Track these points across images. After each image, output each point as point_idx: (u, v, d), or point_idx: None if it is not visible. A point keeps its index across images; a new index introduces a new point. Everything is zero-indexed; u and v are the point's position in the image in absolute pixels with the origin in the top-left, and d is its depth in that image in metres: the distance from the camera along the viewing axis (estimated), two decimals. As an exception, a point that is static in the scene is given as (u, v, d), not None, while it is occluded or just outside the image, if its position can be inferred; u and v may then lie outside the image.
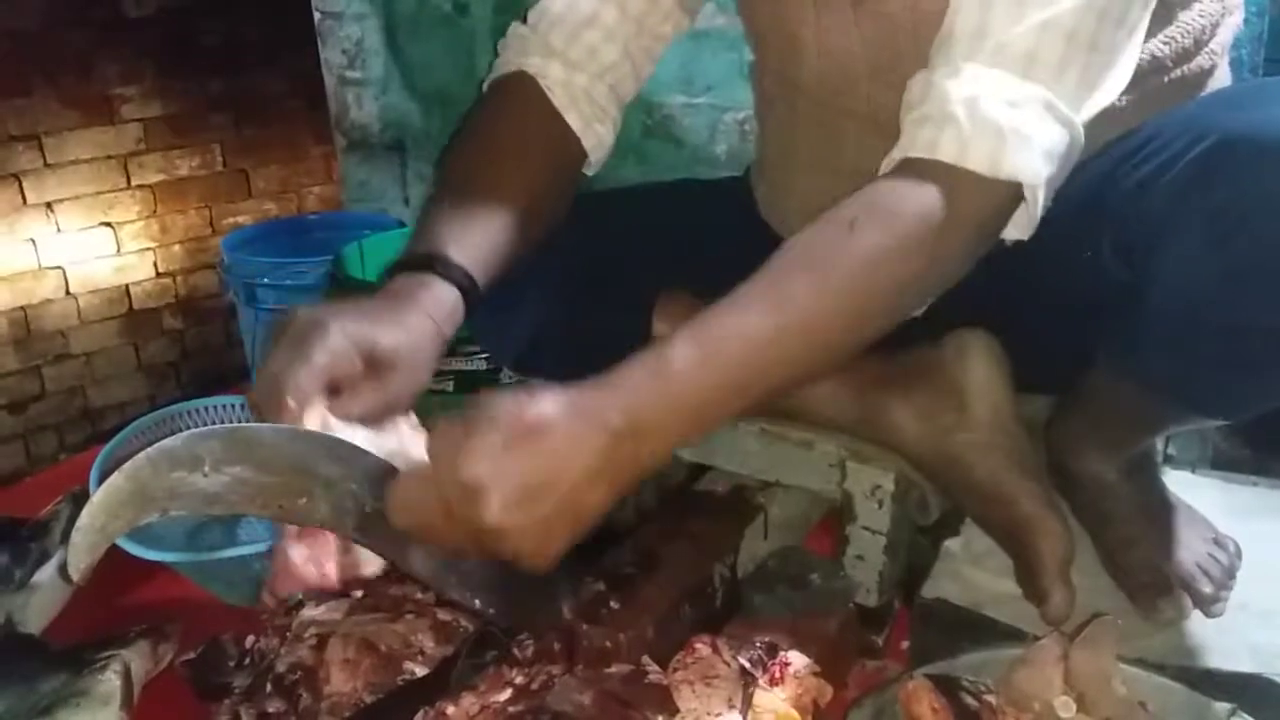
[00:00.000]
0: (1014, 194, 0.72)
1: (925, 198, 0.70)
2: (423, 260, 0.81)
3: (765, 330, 0.68)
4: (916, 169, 0.72)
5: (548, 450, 0.63)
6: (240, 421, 1.30)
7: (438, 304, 0.79)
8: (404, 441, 0.77)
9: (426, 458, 0.66)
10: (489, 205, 0.86)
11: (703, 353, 0.67)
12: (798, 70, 0.93)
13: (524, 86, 0.93)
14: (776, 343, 0.69)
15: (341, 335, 0.72)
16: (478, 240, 0.84)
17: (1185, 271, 0.75)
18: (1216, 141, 0.72)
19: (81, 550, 0.62)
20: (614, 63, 0.94)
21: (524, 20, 0.96)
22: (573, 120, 0.93)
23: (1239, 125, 0.72)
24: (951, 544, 1.00)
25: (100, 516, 0.63)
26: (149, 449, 0.64)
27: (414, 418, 0.79)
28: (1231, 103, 0.77)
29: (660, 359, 0.67)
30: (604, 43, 0.93)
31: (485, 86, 0.96)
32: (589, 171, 0.98)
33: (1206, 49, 0.88)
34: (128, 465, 0.63)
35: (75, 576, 0.62)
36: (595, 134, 0.95)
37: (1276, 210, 0.69)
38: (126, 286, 2.71)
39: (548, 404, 0.64)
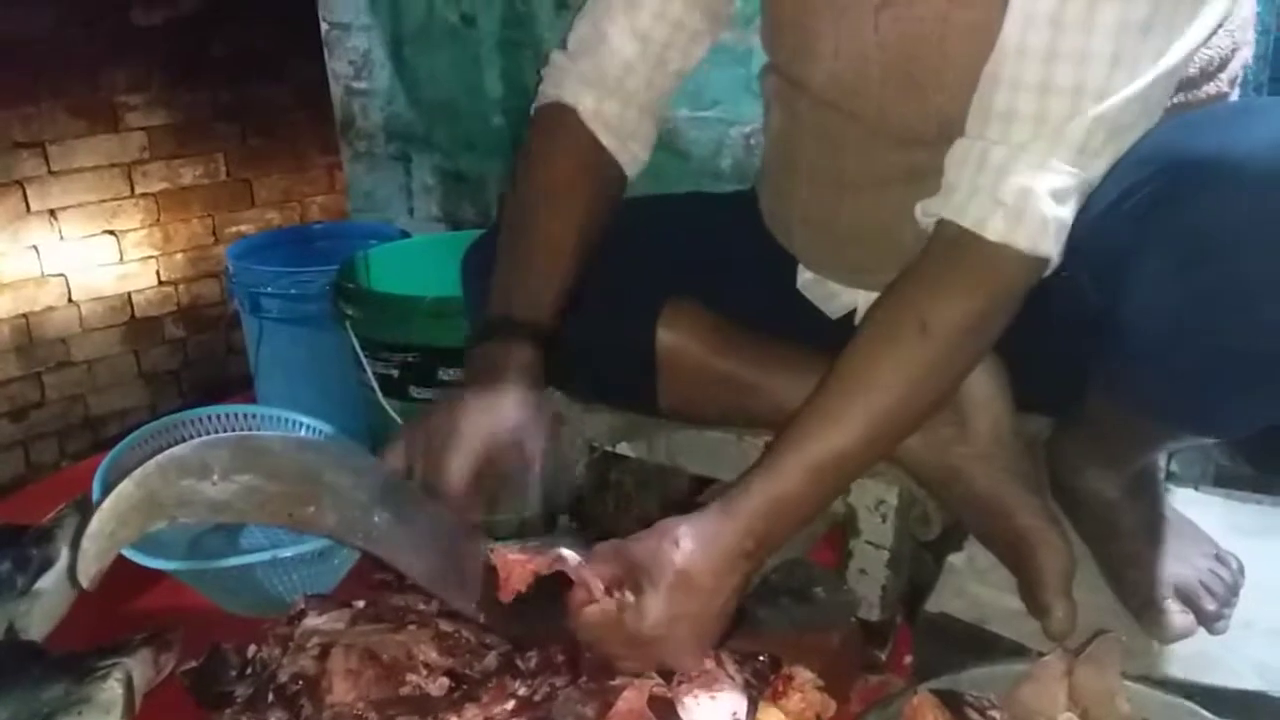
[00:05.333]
0: (1043, 266, 0.80)
1: (978, 283, 0.80)
2: (501, 325, 0.95)
3: (859, 442, 0.81)
4: (963, 241, 0.80)
5: (700, 591, 0.79)
6: (243, 430, 1.30)
7: (527, 367, 0.92)
8: None
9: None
10: (549, 250, 0.98)
11: (810, 471, 0.80)
12: (809, 68, 0.94)
13: (564, 116, 1.02)
14: (869, 448, 0.82)
15: (476, 442, 0.86)
16: (542, 288, 0.96)
17: (1154, 297, 0.75)
18: (1177, 166, 0.71)
19: (91, 556, 0.63)
20: (638, 89, 1.02)
21: (562, 43, 1.04)
22: (608, 143, 1.02)
23: (1199, 150, 0.71)
24: (955, 559, 1.00)
25: (110, 523, 0.63)
26: (158, 456, 0.64)
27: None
28: (1193, 127, 0.75)
29: (774, 483, 0.80)
30: (628, 74, 1.01)
31: (532, 111, 1.05)
32: (630, 179, 1.06)
33: (1214, 79, 0.88)
34: (137, 472, 0.63)
35: (85, 583, 0.62)
36: (629, 152, 1.04)
37: (1239, 235, 0.68)
38: (129, 294, 2.71)
39: (689, 546, 0.78)
